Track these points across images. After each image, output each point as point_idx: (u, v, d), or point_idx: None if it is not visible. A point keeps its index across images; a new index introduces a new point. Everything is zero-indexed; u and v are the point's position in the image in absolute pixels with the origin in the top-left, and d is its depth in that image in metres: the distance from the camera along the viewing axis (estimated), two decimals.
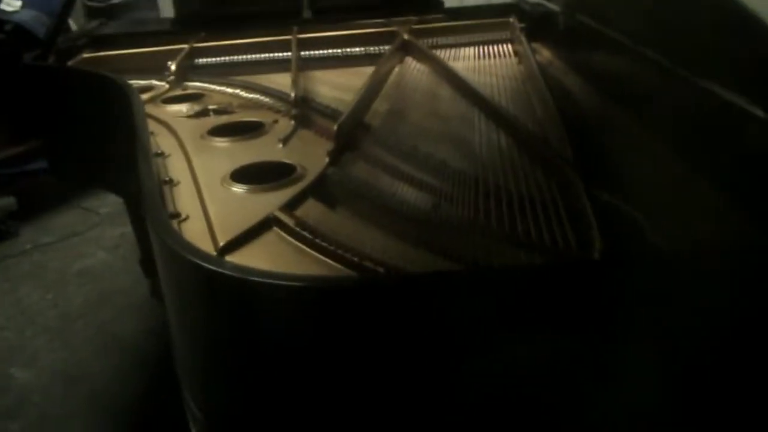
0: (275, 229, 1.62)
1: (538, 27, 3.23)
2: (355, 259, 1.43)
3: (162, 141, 2.11)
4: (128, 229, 4.12)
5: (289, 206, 1.69)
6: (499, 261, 1.29)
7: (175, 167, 2.03)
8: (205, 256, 1.31)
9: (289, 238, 1.59)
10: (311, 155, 2.03)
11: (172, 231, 1.42)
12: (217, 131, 2.13)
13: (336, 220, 1.65)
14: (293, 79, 2.63)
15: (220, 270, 1.25)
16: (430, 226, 1.59)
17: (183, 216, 1.71)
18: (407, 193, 1.76)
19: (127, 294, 3.69)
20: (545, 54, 2.94)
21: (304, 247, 1.54)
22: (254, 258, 1.51)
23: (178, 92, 2.67)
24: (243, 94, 2.57)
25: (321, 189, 1.81)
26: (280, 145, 1.99)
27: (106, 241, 4.28)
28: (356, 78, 2.96)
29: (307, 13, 3.36)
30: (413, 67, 2.97)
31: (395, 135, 2.15)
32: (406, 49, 3.08)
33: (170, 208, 1.74)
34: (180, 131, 2.16)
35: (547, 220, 1.56)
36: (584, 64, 2.78)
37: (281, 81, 2.85)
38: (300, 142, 2.17)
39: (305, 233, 1.54)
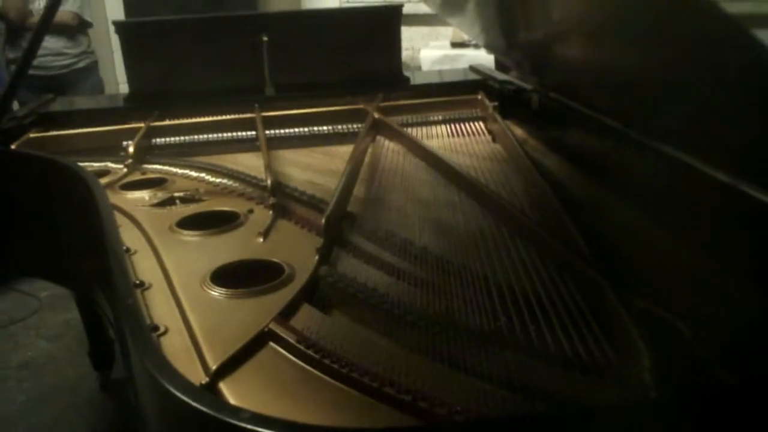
0: (272, 344, 1.43)
1: (508, 105, 3.17)
2: (374, 384, 1.25)
3: (126, 234, 1.90)
4: (73, 315, 3.82)
5: (284, 315, 1.50)
6: (541, 382, 1.13)
7: (144, 266, 1.82)
8: (220, 406, 1.10)
9: (289, 356, 1.40)
10: (296, 250, 1.86)
11: (175, 375, 1.20)
12: (187, 223, 1.94)
13: (338, 331, 1.47)
14: (266, 164, 2.47)
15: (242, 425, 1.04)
16: (445, 335, 1.43)
17: (161, 329, 1.50)
18: (410, 294, 1.59)
19: (73, 391, 3.37)
20: (518, 132, 2.85)
21: (308, 367, 1.35)
22: (252, 385, 1.31)
23: (138, 176, 2.46)
24: (209, 178, 2.40)
25: (315, 293, 1.63)
26: (260, 239, 1.80)
27: (48, 329, 3.96)
28: (326, 158, 2.84)
29: (269, 90, 3.22)
30: (386, 146, 2.85)
31: (382, 225, 2.00)
32: (377, 128, 2.96)
33: (146, 319, 1.53)
34: (145, 223, 1.96)
35: (576, 329, 1.41)
36: (563, 144, 2.70)
37: (248, 162, 2.69)
38: (281, 235, 2.00)
39: (309, 351, 1.36)
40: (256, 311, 1.44)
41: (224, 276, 1.61)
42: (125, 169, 2.67)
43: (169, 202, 2.20)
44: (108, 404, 3.28)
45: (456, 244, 1.92)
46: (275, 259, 1.79)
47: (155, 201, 2.21)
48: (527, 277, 1.65)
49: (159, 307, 1.62)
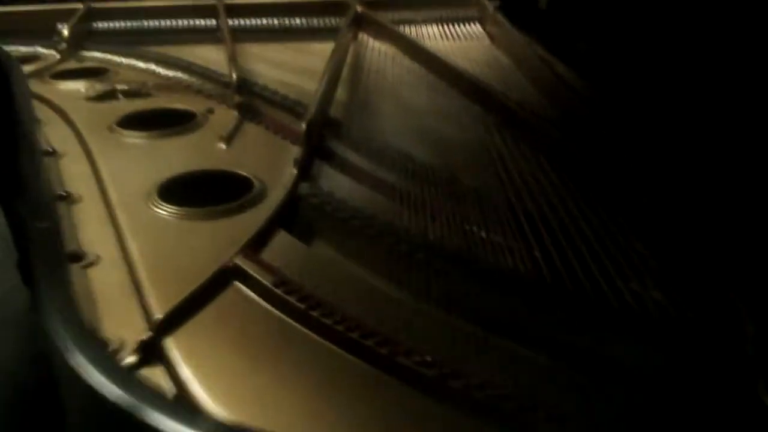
0: (237, 285, 1.07)
1: (509, 4, 2.76)
2: (369, 342, 0.91)
3: (53, 133, 1.52)
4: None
5: (254, 246, 1.14)
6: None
7: (74, 173, 1.44)
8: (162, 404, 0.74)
9: (261, 302, 1.04)
10: (267, 161, 1.49)
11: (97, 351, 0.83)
12: (131, 122, 1.56)
13: (325, 270, 1.13)
14: (229, 56, 2.05)
15: None
16: (457, 271, 1.09)
17: (90, 258, 1.13)
18: (416, 223, 1.24)
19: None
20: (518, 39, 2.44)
21: (286, 318, 1.00)
22: (211, 342, 0.96)
23: (73, 65, 2.02)
24: (160, 70, 1.97)
25: (294, 217, 1.27)
26: (222, 146, 1.42)
27: None
28: (300, 55, 2.42)
29: None
30: (371, 46, 2.44)
31: (372, 135, 1.62)
32: (359, 24, 2.53)
33: (68, 245, 1.15)
34: (78, 120, 1.59)
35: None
36: (576, 51, 2.32)
37: (208, 56, 2.26)
38: (248, 142, 1.62)
39: (288, 297, 1.00)
40: (217, 239, 1.15)
41: (176, 191, 1.27)
42: (58, 56, 2.22)
43: (110, 95, 1.80)
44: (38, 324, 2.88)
45: (463, 160, 1.57)
46: (241, 172, 1.41)
47: (92, 94, 1.79)
48: (553, 202, 1.32)
49: (89, 228, 1.24)
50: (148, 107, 1.78)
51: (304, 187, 1.34)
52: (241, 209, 1.30)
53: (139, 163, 1.51)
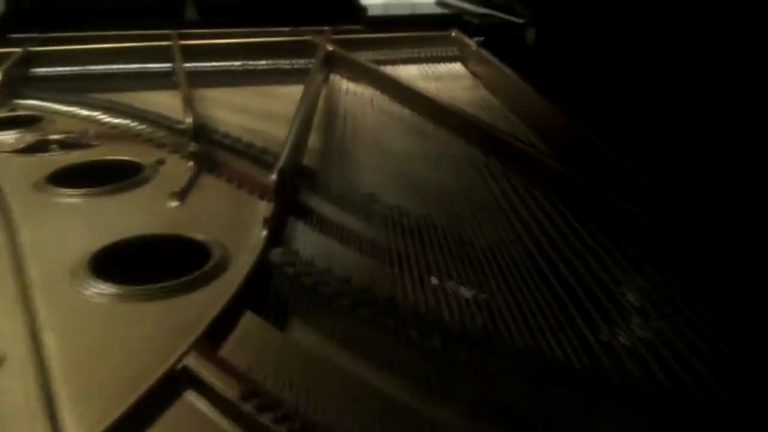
0: (188, 396, 0.78)
1: (492, 42, 2.54)
2: None
3: None
4: None
5: (212, 338, 0.85)
6: None
7: None
8: None
9: (221, 420, 0.75)
10: (229, 220, 1.22)
11: None
12: (65, 177, 1.27)
13: (307, 366, 0.84)
14: (185, 99, 1.78)
15: None
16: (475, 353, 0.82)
17: None
18: (413, 289, 0.97)
19: None
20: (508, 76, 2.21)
21: None
22: None
23: (3, 113, 1.72)
24: (106, 118, 1.68)
25: (264, 292, 0.99)
26: (174, 203, 1.14)
27: None
28: (265, 99, 2.17)
29: (191, 13, 2.50)
30: (345, 88, 2.19)
31: (354, 186, 1.37)
32: (330, 65, 2.29)
33: None
34: (1, 176, 1.25)
35: None
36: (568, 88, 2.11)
37: (163, 102, 1.98)
38: (206, 198, 1.35)
39: (262, 419, 0.71)
40: (163, 328, 0.88)
41: (113, 263, 0.97)
42: None
43: (42, 147, 1.48)
44: None
45: (464, 210, 1.31)
46: (197, 236, 1.13)
47: (21, 145, 1.49)
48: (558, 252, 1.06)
49: None
50: (86, 159, 1.49)
51: (277, 254, 1.06)
52: (196, 285, 1.02)
53: (69, 229, 1.22)
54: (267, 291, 1.01)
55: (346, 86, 2.22)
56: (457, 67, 2.46)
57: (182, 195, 1.33)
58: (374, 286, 0.99)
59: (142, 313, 0.96)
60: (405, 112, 1.97)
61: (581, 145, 1.56)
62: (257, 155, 1.54)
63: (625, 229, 1.17)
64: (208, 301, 0.97)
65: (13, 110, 1.97)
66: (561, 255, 1.12)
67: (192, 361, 0.82)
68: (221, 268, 1.06)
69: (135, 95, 2.08)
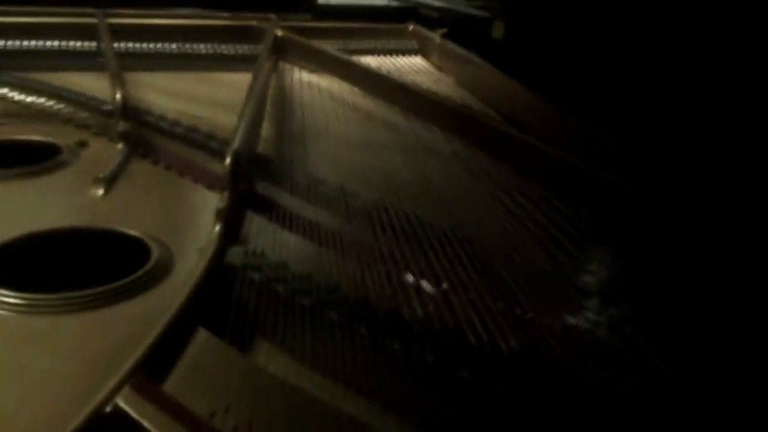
0: None
1: (455, 37, 2.37)
2: None
3: None
4: None
5: (152, 366, 0.61)
6: None
7: None
8: None
9: None
10: (170, 213, 0.96)
11: None
12: None
13: (275, 397, 0.61)
14: (113, 76, 1.52)
15: None
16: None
17: None
18: (392, 290, 0.76)
19: None
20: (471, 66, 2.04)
21: None
22: None
23: None
24: (15, 95, 1.39)
25: (220, 302, 0.75)
26: (99, 191, 0.88)
27: None
28: (207, 86, 1.93)
29: None
30: (297, 74, 1.97)
31: (318, 178, 1.15)
32: (280, 51, 2.07)
33: None
34: None
35: None
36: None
37: (86, 84, 1.71)
38: (139, 186, 1.09)
39: None
40: (85, 352, 0.54)
41: (18, 264, 0.68)
42: None
43: None
44: None
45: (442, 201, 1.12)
46: (130, 231, 0.88)
47: None
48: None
49: None
50: None
51: (238, 254, 0.82)
52: (129, 294, 0.76)
53: None
54: (225, 302, 0.77)
55: (298, 74, 1.99)
56: (417, 60, 2.26)
57: (109, 182, 1.08)
58: (371, 295, 0.76)
59: (55, 331, 0.71)
60: (363, 99, 1.76)
61: (567, 133, 1.40)
62: (201, 141, 1.30)
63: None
64: (145, 314, 0.73)
65: None
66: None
67: (125, 400, 0.57)
68: (162, 271, 0.82)
69: (55, 76, 1.80)
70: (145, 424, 0.56)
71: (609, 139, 1.28)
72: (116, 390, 0.58)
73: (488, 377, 0.67)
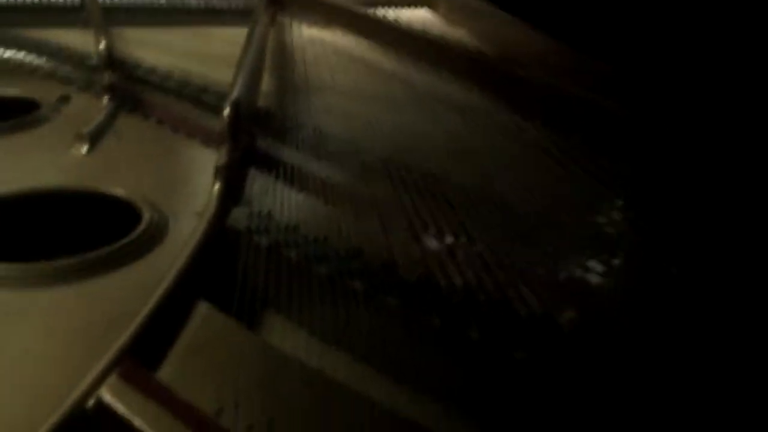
0: None
1: None
2: None
3: None
4: None
5: (144, 349, 0.50)
6: None
7: None
8: None
9: None
10: (161, 172, 0.85)
11: None
12: None
13: (283, 382, 0.51)
14: (96, 26, 1.39)
15: None
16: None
17: None
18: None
19: None
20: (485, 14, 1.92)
21: None
22: None
23: None
24: None
25: (223, 271, 0.64)
26: (82, 148, 0.76)
27: None
28: (197, 40, 1.80)
29: None
30: (297, 28, 1.85)
31: (324, 134, 1.04)
32: (277, 5, 1.94)
33: None
34: None
35: None
36: None
37: (69, 40, 1.57)
38: (126, 142, 0.97)
39: None
40: (66, 331, 0.49)
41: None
42: None
43: None
44: None
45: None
46: (116, 191, 0.76)
47: None
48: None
49: None
50: None
51: (242, 215, 0.71)
52: (118, 262, 0.65)
53: None
54: (229, 271, 0.66)
55: (298, 28, 1.87)
56: (423, 12, 2.14)
57: (93, 138, 0.96)
58: (398, 261, 0.65)
59: (29, 306, 0.60)
60: (371, 52, 1.64)
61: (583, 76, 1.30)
62: (194, 94, 1.19)
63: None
64: (136, 286, 0.62)
65: None
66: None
67: (111, 391, 0.47)
68: (155, 236, 0.71)
69: (36, 32, 1.66)
70: (135, 422, 0.45)
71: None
72: (100, 379, 0.48)
73: (543, 358, 0.57)
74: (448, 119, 1.26)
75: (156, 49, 1.62)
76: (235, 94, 0.93)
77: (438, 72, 1.42)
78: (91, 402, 0.47)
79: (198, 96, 1.19)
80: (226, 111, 0.88)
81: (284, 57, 1.62)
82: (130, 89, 1.16)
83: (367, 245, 0.68)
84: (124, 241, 0.68)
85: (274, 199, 0.78)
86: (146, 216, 0.73)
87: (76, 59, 1.38)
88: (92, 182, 0.84)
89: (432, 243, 0.71)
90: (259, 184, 0.82)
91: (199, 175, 0.88)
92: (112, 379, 0.48)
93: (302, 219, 0.73)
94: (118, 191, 0.79)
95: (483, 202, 0.87)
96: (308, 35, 1.84)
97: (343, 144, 1.01)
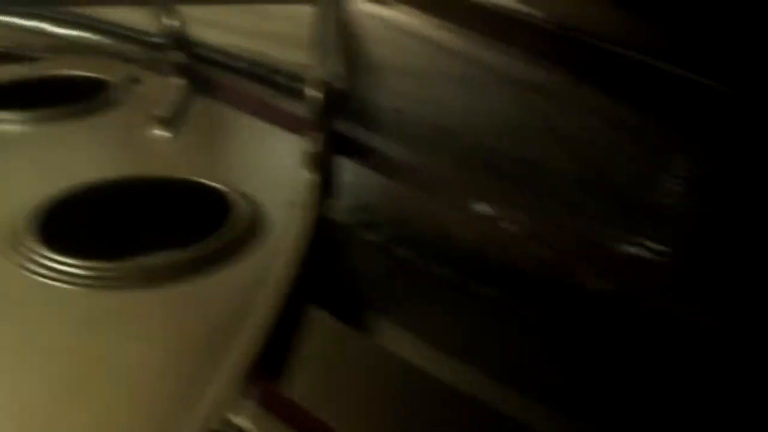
0: None
1: None
2: None
3: None
4: None
5: (267, 361, 0.45)
6: None
7: None
8: None
9: None
10: (245, 157, 0.80)
11: None
12: None
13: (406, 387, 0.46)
14: (161, 3, 1.34)
15: None
16: None
17: None
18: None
19: None
20: None
21: None
22: None
23: None
24: (51, 29, 1.22)
25: (330, 272, 0.59)
26: (162, 132, 0.71)
27: None
28: (260, 19, 1.73)
29: None
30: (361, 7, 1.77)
31: (409, 116, 0.98)
32: None
33: None
34: None
35: None
36: None
37: (131, 19, 1.53)
38: (203, 126, 0.93)
39: None
40: (175, 337, 0.49)
41: (74, 223, 0.51)
42: None
43: None
44: None
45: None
46: (208, 181, 0.71)
47: None
48: None
49: None
50: (29, 75, 1.06)
51: (342, 209, 0.66)
52: (217, 260, 0.60)
53: (6, 170, 0.79)
54: (335, 271, 0.61)
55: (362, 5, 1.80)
56: None
57: (170, 122, 0.91)
58: (528, 266, 0.59)
59: (132, 310, 0.56)
60: (444, 31, 1.56)
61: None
62: (267, 75, 1.13)
63: None
64: (237, 286, 0.57)
65: None
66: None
67: (244, 413, 0.42)
68: (251, 230, 0.66)
69: (94, 11, 1.62)
70: None
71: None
72: (226, 398, 0.43)
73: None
74: (528, 98, 1.19)
75: (213, 27, 1.57)
76: (320, 75, 0.88)
77: (515, 49, 1.34)
78: (217, 423, 0.42)
79: (271, 77, 1.13)
80: (315, 93, 0.83)
81: (352, 36, 1.56)
82: (201, 70, 1.11)
83: (490, 248, 0.62)
84: (228, 235, 0.63)
85: (370, 189, 0.73)
86: (242, 207, 0.68)
87: (140, 38, 1.33)
88: (175, 168, 0.80)
89: (553, 240, 0.65)
90: (349, 173, 0.76)
91: (284, 161, 0.83)
92: (244, 401, 0.43)
93: (408, 214, 0.67)
94: (213, 181, 0.73)
95: (581, 185, 0.80)
96: (376, 12, 1.76)
97: (430, 130, 0.95)
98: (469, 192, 0.76)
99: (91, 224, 0.69)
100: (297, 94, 1.07)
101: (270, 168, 0.82)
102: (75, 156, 0.84)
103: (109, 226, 0.70)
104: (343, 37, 1.54)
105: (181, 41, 1.19)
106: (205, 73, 1.13)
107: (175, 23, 1.17)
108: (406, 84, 1.23)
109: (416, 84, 1.25)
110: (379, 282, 0.61)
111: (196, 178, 0.73)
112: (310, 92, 0.80)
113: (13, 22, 1.49)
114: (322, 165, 0.73)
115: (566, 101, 1.14)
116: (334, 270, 0.62)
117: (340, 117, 0.98)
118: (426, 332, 0.58)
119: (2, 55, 1.22)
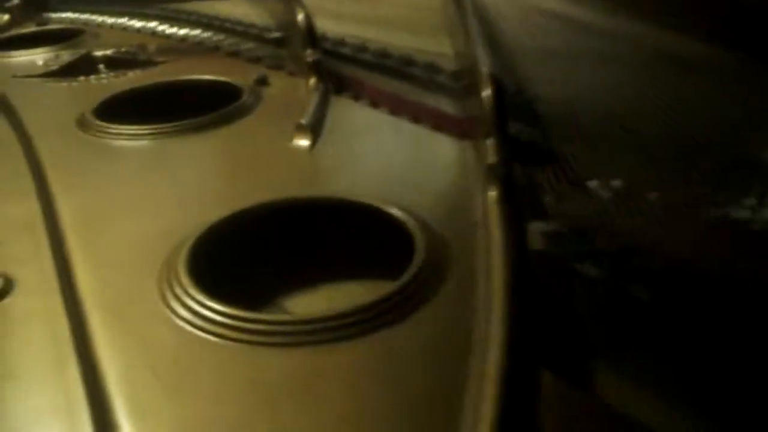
0: None
1: None
2: None
3: None
4: None
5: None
6: None
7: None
8: None
9: None
10: (399, 169, 0.69)
11: None
12: (121, 108, 0.70)
13: None
14: None
15: None
16: None
17: None
18: None
19: None
20: None
21: None
22: None
23: (29, 29, 1.47)
24: (167, 29, 1.15)
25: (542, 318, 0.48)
26: (306, 143, 0.60)
27: None
28: (361, 3, 1.65)
29: None
30: None
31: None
32: None
33: None
34: (25, 108, 0.73)
35: None
36: None
37: (238, 13, 1.47)
38: (349, 133, 0.83)
39: None
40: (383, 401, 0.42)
41: (222, 255, 0.41)
42: (6, 17, 1.45)
43: (84, 67, 0.98)
44: None
45: None
46: (386, 207, 0.60)
47: (55, 66, 0.99)
48: None
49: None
50: (152, 82, 0.98)
51: (543, 234, 0.54)
52: (409, 305, 0.50)
53: (138, 192, 0.72)
54: (544, 314, 0.50)
55: None
56: None
57: (314, 129, 0.81)
58: None
59: (328, 371, 0.46)
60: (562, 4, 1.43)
61: None
62: (399, 68, 1.03)
63: None
64: (426, 332, 0.46)
65: (42, 24, 1.48)
66: None
67: None
68: (436, 267, 0.55)
69: (201, 5, 1.56)
70: None
71: None
72: None
73: None
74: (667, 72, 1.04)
75: (324, 17, 1.48)
76: (486, 68, 0.76)
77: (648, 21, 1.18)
78: None
79: (404, 70, 1.03)
80: (486, 92, 0.71)
81: (483, 19, 1.44)
82: (334, 68, 1.01)
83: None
84: (417, 275, 0.53)
85: (577, 208, 0.61)
86: (425, 239, 0.57)
87: (257, 34, 1.25)
88: (328, 185, 0.70)
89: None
90: (544, 188, 0.65)
91: (445, 171, 0.73)
92: None
93: (637, 238, 0.55)
94: (386, 206, 0.62)
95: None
96: None
97: (604, 121, 0.82)
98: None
99: (236, 257, 0.60)
100: (438, 88, 0.97)
101: (427, 179, 0.71)
102: (214, 173, 0.76)
103: (266, 260, 0.61)
104: (485, 23, 1.41)
105: (313, 34, 1.09)
106: (335, 69, 1.03)
107: (307, 17, 1.08)
108: (571, 70, 1.10)
109: (584, 69, 1.12)
110: (601, 327, 0.50)
111: (375, 203, 0.62)
112: (484, 91, 0.69)
113: (126, 24, 1.44)
114: (505, 179, 0.62)
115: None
116: (542, 313, 0.51)
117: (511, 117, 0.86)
118: (665, 389, 0.46)
119: (118, 61, 1.16)
